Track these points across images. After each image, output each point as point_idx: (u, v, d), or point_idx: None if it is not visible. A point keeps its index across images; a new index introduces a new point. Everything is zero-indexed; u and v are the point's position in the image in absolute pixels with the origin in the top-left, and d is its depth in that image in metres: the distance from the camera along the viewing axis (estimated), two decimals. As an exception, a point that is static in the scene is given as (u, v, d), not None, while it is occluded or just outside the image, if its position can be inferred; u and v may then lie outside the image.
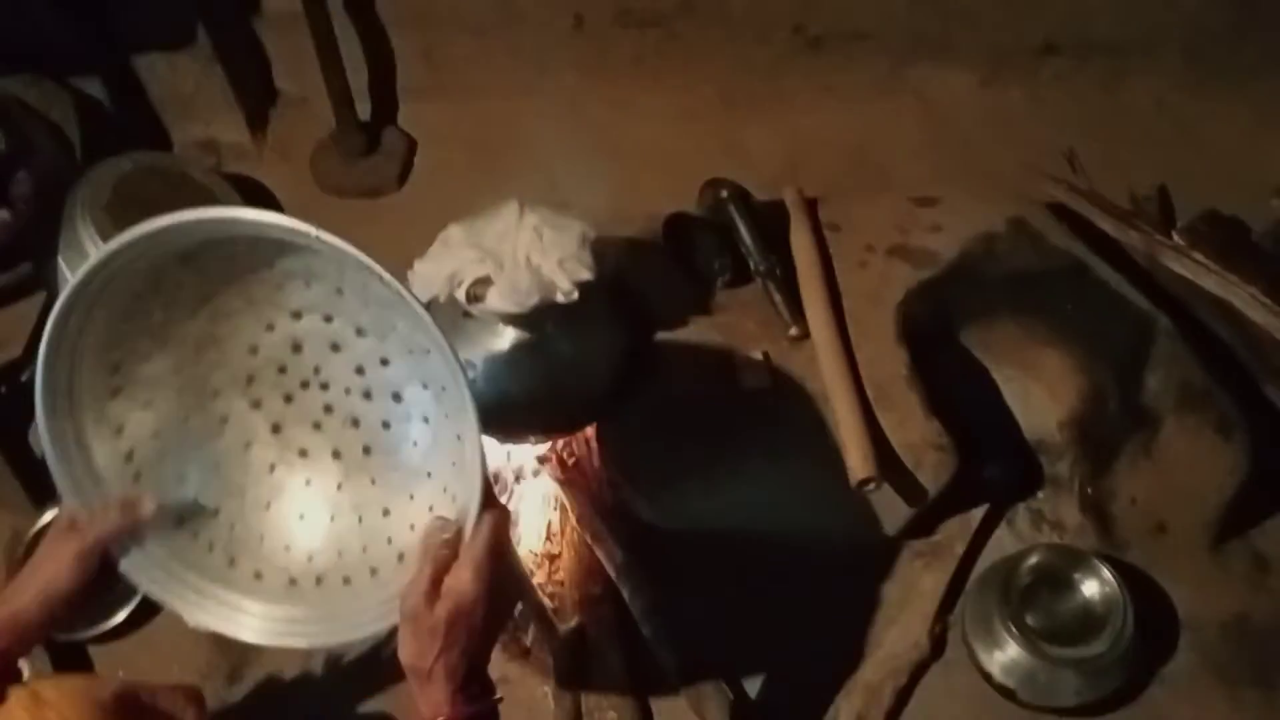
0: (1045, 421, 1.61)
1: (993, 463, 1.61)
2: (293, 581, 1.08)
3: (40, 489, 1.64)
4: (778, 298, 1.55)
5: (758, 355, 1.53)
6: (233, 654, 1.53)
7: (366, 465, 1.11)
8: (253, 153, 2.06)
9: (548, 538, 1.67)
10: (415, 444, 1.09)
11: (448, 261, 1.32)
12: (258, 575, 1.08)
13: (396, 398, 1.09)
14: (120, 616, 1.53)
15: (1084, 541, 1.53)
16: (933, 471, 1.46)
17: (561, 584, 1.62)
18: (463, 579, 0.91)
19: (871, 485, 1.37)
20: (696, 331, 1.56)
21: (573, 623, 1.55)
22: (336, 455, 1.12)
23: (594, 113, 1.99)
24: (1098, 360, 1.55)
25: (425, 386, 1.05)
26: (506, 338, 1.41)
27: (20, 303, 1.88)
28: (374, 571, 1.07)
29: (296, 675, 1.53)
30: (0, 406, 1.66)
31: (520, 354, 1.41)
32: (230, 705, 1.53)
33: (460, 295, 1.31)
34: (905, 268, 1.59)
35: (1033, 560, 1.46)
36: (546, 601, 1.59)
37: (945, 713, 1.48)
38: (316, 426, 1.12)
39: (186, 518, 1.07)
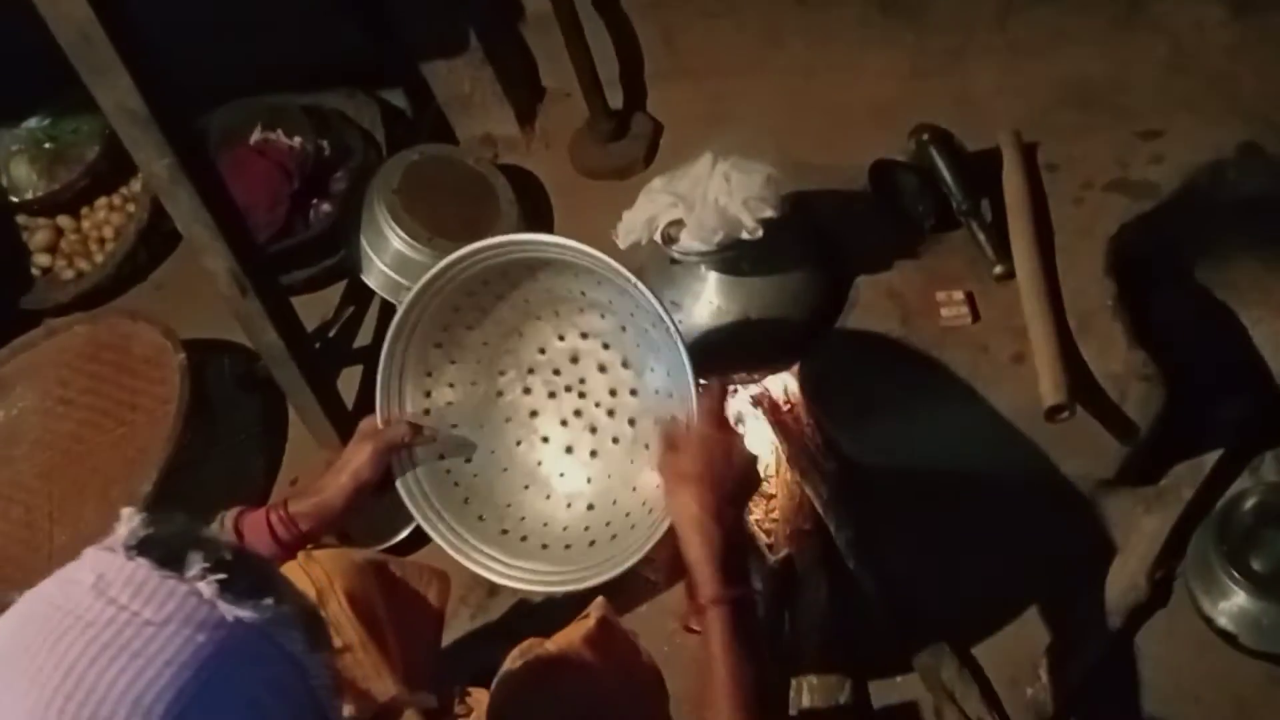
0: (1300, 363, 1.50)
1: (1228, 402, 1.52)
2: (541, 544, 1.28)
3: (347, 431, 1.97)
4: (982, 238, 1.56)
5: (959, 295, 1.54)
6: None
7: (592, 462, 1.33)
8: (522, 144, 2.32)
9: (765, 479, 1.77)
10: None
11: (647, 208, 1.47)
12: (503, 532, 1.30)
13: (631, 423, 1.30)
14: (402, 535, 1.81)
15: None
16: (1139, 404, 1.41)
17: (775, 521, 1.71)
18: (700, 431, 1.07)
19: (1064, 413, 1.35)
20: (899, 274, 1.60)
21: (782, 554, 1.64)
22: (569, 450, 1.33)
23: (824, 78, 2.06)
24: (1348, 287, 1.42)
25: (655, 424, 1.23)
26: (709, 280, 1.54)
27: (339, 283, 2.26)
28: (616, 523, 1.25)
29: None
30: (318, 362, 1.99)
31: (720, 294, 1.54)
32: (489, 620, 1.76)
33: (657, 237, 1.46)
34: (1122, 201, 1.55)
35: (1253, 500, 1.37)
36: (762, 535, 1.69)
37: (1161, 653, 1.43)
38: (563, 423, 1.35)
39: (447, 455, 1.32)
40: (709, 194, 1.43)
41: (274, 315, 1.80)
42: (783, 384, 1.72)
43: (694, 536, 1.01)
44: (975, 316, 1.53)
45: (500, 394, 1.35)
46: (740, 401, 1.77)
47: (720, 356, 1.56)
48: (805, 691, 1.50)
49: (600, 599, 1.25)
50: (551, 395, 1.35)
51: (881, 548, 1.58)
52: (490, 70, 2.20)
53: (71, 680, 0.58)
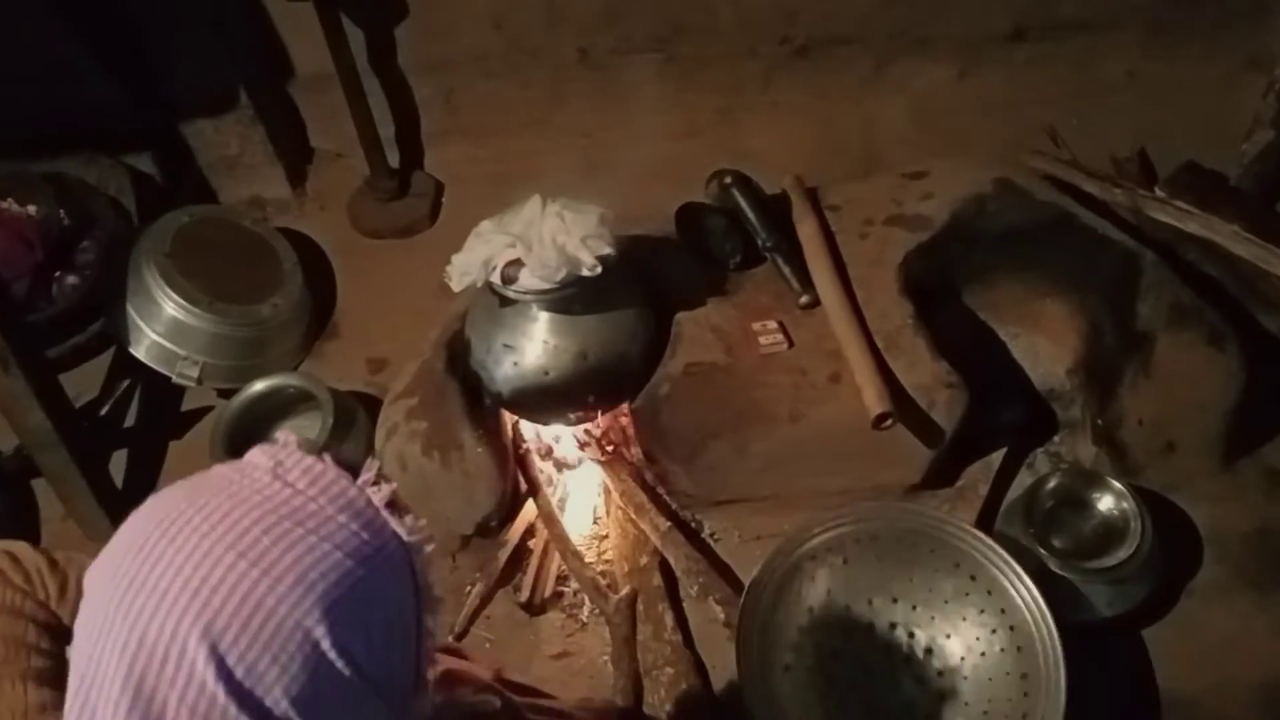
0: (1054, 370, 1.70)
1: (1005, 409, 1.71)
2: None
3: (119, 516, 1.77)
4: (786, 270, 1.67)
5: (773, 324, 1.64)
6: None
7: None
8: (294, 206, 2.24)
9: (594, 521, 1.77)
10: None
11: (481, 250, 1.46)
12: None
13: None
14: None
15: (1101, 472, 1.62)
16: (946, 409, 1.55)
17: (609, 562, 1.72)
18: None
19: (888, 421, 1.47)
20: (715, 309, 1.68)
21: (624, 592, 1.64)
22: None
23: (604, 137, 2.15)
24: (1091, 300, 1.65)
25: None
26: (541, 320, 1.54)
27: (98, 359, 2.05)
28: None
29: None
30: (88, 445, 1.78)
31: (555, 333, 1.54)
32: None
33: (495, 278, 1.45)
34: (903, 233, 1.71)
35: (1051, 484, 1.55)
36: (599, 578, 1.69)
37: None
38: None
39: None
40: (545, 234, 1.44)
41: (40, 394, 1.61)
42: (613, 427, 1.75)
43: None
44: (790, 343, 1.62)
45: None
46: (567, 445, 1.78)
47: (560, 395, 1.55)
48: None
49: None
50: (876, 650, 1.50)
51: (720, 570, 1.63)
52: (261, 129, 2.11)
53: (245, 541, 0.60)
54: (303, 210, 2.24)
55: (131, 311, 1.88)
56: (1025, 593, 1.41)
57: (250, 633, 0.58)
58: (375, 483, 0.66)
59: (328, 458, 0.66)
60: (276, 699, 0.58)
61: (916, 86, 2.10)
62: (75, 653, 0.63)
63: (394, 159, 2.21)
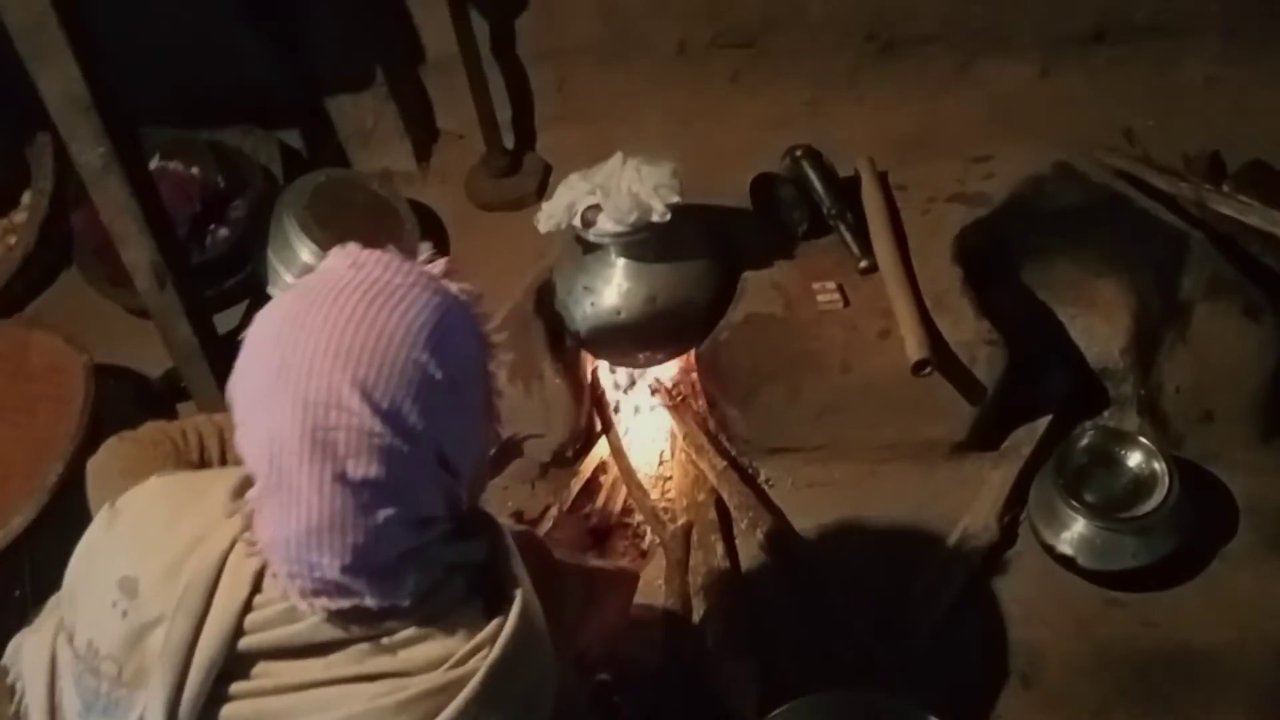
0: (1109, 349, 1.78)
1: (1053, 378, 1.79)
2: None
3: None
4: (849, 237, 1.81)
5: (832, 285, 1.78)
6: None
7: None
8: (419, 179, 2.48)
9: (660, 462, 1.93)
10: None
11: (566, 196, 1.65)
12: None
13: None
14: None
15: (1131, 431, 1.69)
16: (986, 366, 1.66)
17: (671, 498, 1.87)
18: None
19: (928, 369, 1.59)
20: (779, 270, 1.82)
21: (681, 522, 1.80)
22: None
23: (699, 125, 2.32)
24: (1142, 277, 1.73)
25: None
26: (618, 265, 1.73)
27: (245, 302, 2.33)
28: None
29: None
30: (228, 365, 2.05)
31: (629, 278, 1.72)
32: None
33: (576, 221, 1.64)
34: (962, 209, 1.83)
35: (1084, 442, 1.63)
36: (660, 511, 1.85)
37: (1012, 588, 1.64)
38: None
39: None
40: (623, 183, 1.62)
41: (190, 311, 1.87)
42: (676, 370, 1.91)
43: None
44: (846, 302, 1.76)
45: None
46: (641, 391, 1.95)
47: (631, 335, 1.73)
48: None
49: None
50: None
51: (770, 507, 1.77)
52: (394, 107, 2.37)
53: (358, 314, 0.79)
54: (425, 182, 2.48)
55: (272, 256, 2.15)
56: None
57: (385, 375, 0.78)
58: (429, 260, 0.86)
59: (391, 248, 0.85)
60: (411, 415, 0.79)
61: (997, 84, 2.20)
62: (244, 440, 0.82)
63: (509, 141, 2.43)
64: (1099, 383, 1.80)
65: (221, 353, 1.97)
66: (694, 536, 1.77)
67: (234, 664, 0.82)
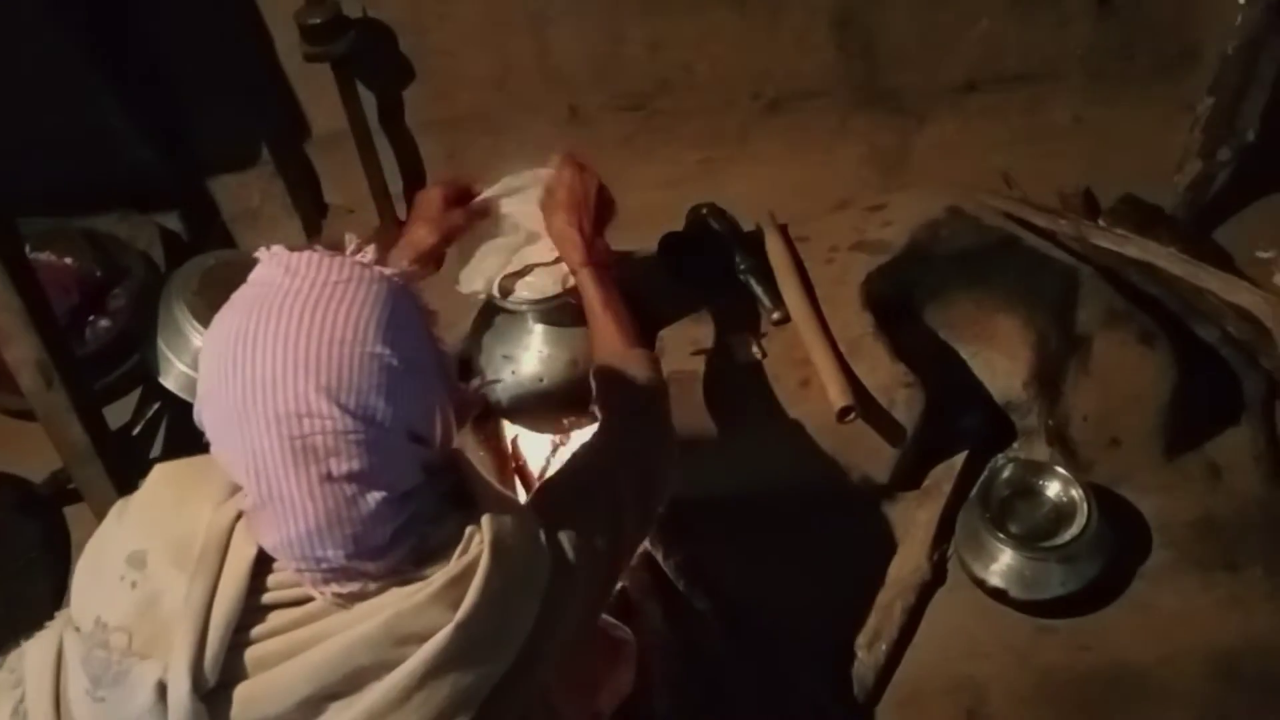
0: (1010, 384, 1.84)
1: (965, 415, 1.85)
2: None
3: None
4: (760, 290, 1.83)
5: (748, 337, 1.80)
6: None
7: None
8: (309, 257, 2.41)
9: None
10: None
11: (486, 263, 1.62)
12: None
13: None
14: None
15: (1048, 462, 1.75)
16: (905, 407, 1.70)
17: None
18: (566, 173, 1.50)
19: (852, 415, 1.61)
20: (696, 324, 1.83)
21: (617, 586, 1.76)
22: None
23: (595, 187, 2.33)
24: (1038, 313, 1.80)
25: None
26: (537, 332, 1.70)
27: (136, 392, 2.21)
28: None
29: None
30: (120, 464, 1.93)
31: (548, 343, 1.70)
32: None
33: (495, 290, 1.61)
34: (865, 257, 1.88)
35: (1005, 475, 1.68)
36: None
37: (949, 624, 1.67)
38: None
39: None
40: (545, 254, 1.60)
41: (80, 409, 1.76)
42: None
43: (566, 234, 1.44)
44: (764, 354, 1.78)
45: None
46: (562, 457, 1.92)
47: (554, 401, 1.70)
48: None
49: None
50: None
51: (706, 568, 1.75)
52: (281, 184, 2.30)
53: (305, 327, 0.82)
54: (317, 259, 2.42)
55: (162, 345, 2.04)
56: None
57: (346, 375, 0.83)
58: (357, 250, 0.90)
59: (317, 248, 0.89)
60: (378, 406, 0.84)
61: (879, 136, 2.29)
62: (224, 460, 0.86)
63: (402, 212, 2.39)
64: (1005, 416, 1.87)
65: (115, 450, 1.86)
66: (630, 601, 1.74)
67: (250, 616, 0.88)
